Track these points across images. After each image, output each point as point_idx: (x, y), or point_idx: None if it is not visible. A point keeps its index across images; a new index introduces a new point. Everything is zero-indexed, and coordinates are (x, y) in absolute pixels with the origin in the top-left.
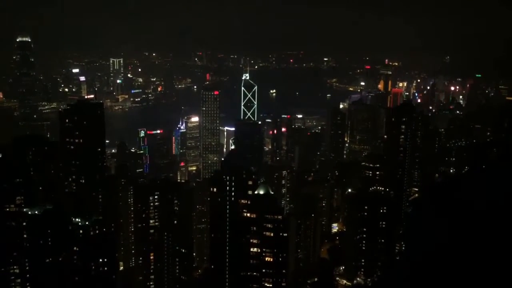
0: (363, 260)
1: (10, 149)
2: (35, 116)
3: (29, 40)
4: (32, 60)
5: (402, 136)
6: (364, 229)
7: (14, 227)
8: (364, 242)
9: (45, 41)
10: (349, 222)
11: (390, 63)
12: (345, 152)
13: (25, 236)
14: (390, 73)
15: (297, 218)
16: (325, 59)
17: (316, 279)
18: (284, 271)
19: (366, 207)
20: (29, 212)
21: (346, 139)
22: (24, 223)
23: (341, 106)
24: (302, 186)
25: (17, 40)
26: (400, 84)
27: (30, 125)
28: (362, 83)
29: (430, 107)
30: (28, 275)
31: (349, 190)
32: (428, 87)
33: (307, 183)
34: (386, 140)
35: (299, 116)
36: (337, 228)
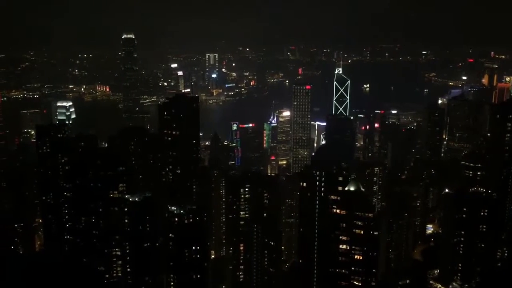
0: (460, 265)
1: (115, 139)
2: (137, 108)
3: (133, 37)
4: (136, 56)
5: (508, 135)
6: (462, 232)
7: (116, 212)
8: (461, 245)
9: (147, 38)
10: (445, 223)
11: (497, 56)
12: (442, 150)
13: (126, 221)
14: (496, 66)
15: (389, 217)
16: (423, 52)
17: (408, 281)
18: (373, 270)
19: (465, 209)
20: (130, 199)
21: (444, 137)
22: (126, 209)
23: (439, 101)
24: (395, 184)
25: (123, 37)
26: (507, 79)
27: (132, 117)
28: (464, 78)
29: None
30: (128, 258)
31: (446, 190)
32: None
33: (401, 181)
34: (489, 138)
35: (394, 111)
36: (432, 229)
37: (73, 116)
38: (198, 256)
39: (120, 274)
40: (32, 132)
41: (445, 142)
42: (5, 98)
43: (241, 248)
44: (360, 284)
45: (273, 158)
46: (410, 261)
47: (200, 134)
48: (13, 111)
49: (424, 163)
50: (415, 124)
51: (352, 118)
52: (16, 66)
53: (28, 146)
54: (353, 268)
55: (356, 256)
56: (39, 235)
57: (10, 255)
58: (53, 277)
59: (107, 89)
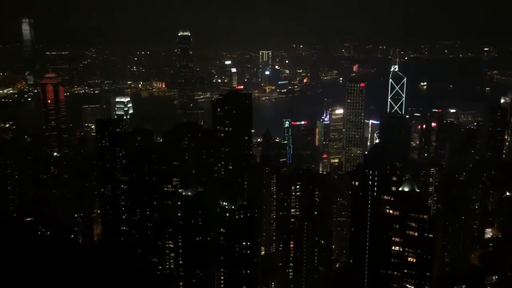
0: None
1: (169, 135)
2: (191, 104)
3: (189, 35)
4: (191, 53)
5: None
6: None
7: (170, 205)
8: None
9: (202, 36)
10: (505, 228)
11: None
12: (504, 151)
13: (179, 214)
14: None
15: (445, 219)
16: (485, 49)
17: (464, 287)
18: (428, 273)
19: None
20: (183, 193)
21: (506, 137)
22: (179, 203)
23: (502, 100)
24: (452, 186)
25: (179, 34)
26: None
27: (186, 113)
28: None
29: None
30: (180, 250)
31: (507, 193)
32: None
33: (458, 183)
34: None
35: (452, 110)
36: (491, 233)
37: (131, 111)
38: (249, 251)
39: (172, 266)
40: (93, 126)
41: (507, 143)
42: (68, 94)
43: (291, 245)
44: (413, 287)
45: (325, 156)
46: (467, 266)
47: (252, 130)
48: (75, 106)
49: (484, 164)
50: (475, 124)
51: (407, 116)
52: (78, 63)
53: (88, 140)
54: (406, 271)
55: (409, 258)
56: (97, 225)
57: (70, 244)
58: (109, 267)
59: (163, 86)
